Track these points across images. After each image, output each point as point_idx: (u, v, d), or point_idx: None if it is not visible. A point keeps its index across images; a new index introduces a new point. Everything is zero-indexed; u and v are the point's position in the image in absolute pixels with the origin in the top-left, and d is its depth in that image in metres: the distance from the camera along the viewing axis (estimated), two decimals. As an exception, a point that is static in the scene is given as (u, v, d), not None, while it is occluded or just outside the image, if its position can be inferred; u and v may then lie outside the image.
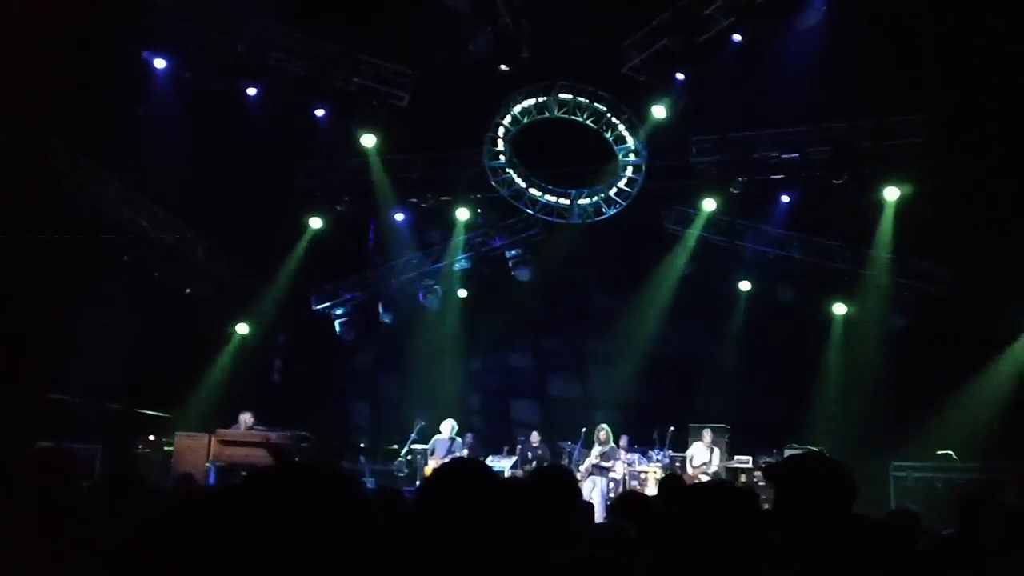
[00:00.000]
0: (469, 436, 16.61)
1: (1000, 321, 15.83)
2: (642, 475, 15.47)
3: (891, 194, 16.05)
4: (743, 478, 15.57)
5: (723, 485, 3.65)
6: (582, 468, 15.18)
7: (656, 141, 16.20)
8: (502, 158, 16.78)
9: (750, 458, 15.74)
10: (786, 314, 17.06)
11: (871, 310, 16.49)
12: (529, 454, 16.07)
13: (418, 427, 16.22)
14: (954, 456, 14.72)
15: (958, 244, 15.40)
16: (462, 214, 18.03)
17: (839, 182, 16.11)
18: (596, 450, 15.43)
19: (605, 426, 15.46)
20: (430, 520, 2.48)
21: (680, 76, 15.60)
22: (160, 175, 16.06)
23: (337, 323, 18.55)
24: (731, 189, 16.64)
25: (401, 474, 16.05)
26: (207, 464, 14.71)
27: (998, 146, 14.39)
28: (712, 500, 2.94)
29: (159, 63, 15.86)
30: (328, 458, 15.64)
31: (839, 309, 16.62)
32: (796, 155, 16.31)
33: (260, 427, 15.53)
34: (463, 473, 2.64)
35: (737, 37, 15.18)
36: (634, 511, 5.68)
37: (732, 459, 15.78)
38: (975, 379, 15.82)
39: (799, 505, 3.08)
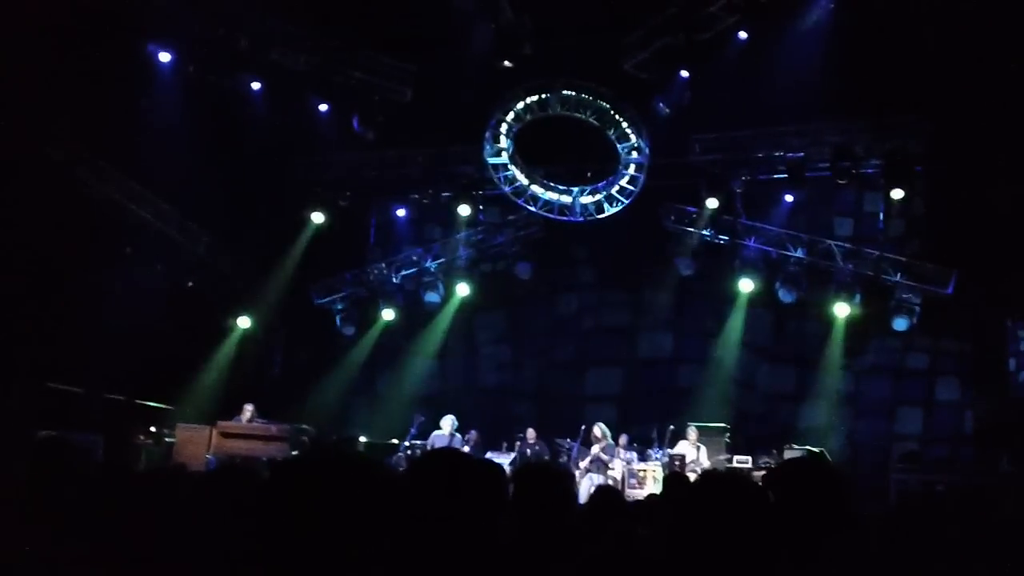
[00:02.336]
0: (473, 433, 16.51)
1: (1004, 325, 15.74)
2: (640, 474, 15.39)
3: (895, 195, 15.93)
4: (742, 479, 15.45)
5: (727, 475, 3.67)
6: (581, 465, 15.15)
7: (658, 139, 16.13)
8: (504, 155, 16.75)
9: (749, 458, 15.64)
10: (788, 314, 16.99)
11: (873, 312, 16.35)
12: (528, 451, 16.01)
13: (417, 423, 16.18)
14: (954, 461, 14.61)
15: (963, 246, 15.30)
16: (463, 210, 17.95)
17: (843, 182, 16.03)
18: (596, 447, 15.43)
19: (601, 424, 15.46)
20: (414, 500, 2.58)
21: (683, 74, 15.54)
22: (163, 168, 16.06)
23: (337, 317, 18.57)
24: (733, 188, 16.59)
25: (399, 469, 16.01)
26: (207, 456, 14.77)
27: (1001, 148, 14.27)
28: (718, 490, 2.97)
29: (164, 56, 15.91)
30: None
31: (841, 310, 16.49)
32: (800, 154, 16.26)
33: (261, 419, 15.61)
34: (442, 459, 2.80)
35: (743, 35, 15.13)
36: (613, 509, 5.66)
37: (732, 460, 15.67)
38: (978, 383, 15.74)
39: (796, 507, 3.11)
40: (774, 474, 3.46)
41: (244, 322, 18.29)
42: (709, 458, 15.36)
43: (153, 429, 16.00)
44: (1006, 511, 12.53)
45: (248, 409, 15.49)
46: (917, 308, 16.06)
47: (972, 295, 15.49)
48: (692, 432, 15.41)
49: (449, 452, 3.18)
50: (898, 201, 16.09)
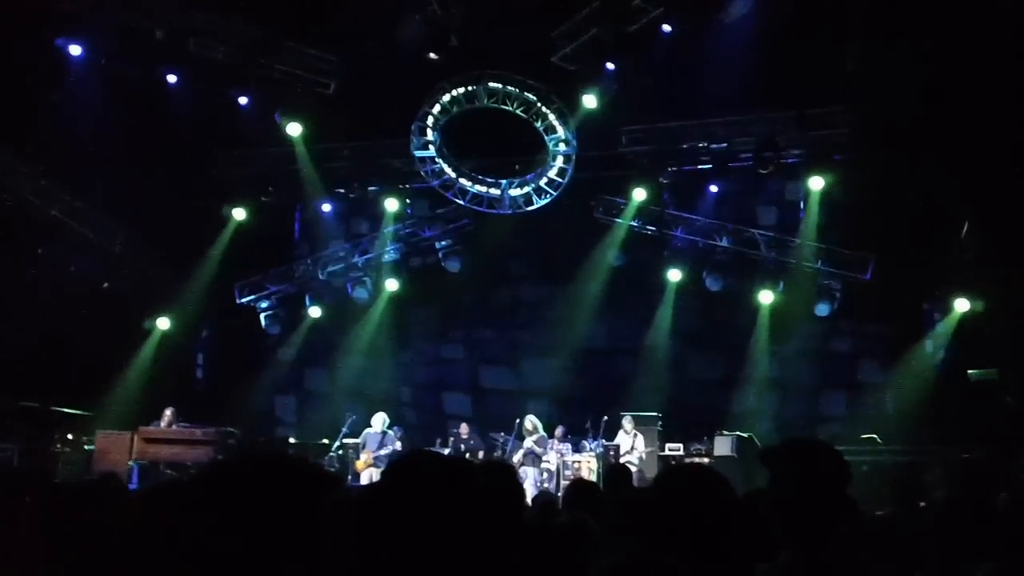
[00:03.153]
0: (399, 429, 16.48)
1: (921, 308, 16.32)
2: (575, 465, 15.48)
3: (816, 184, 16.33)
4: (674, 466, 15.75)
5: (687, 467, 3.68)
6: (514, 459, 15.16)
7: (586, 131, 16.18)
8: (431, 148, 16.59)
9: (681, 446, 15.88)
10: (715, 303, 17.26)
11: (797, 298, 16.74)
12: (461, 446, 16.00)
13: (349, 421, 15.99)
14: (878, 440, 15.02)
15: (881, 233, 15.77)
16: (391, 204, 17.79)
17: (765, 172, 16.35)
18: (528, 440, 15.51)
19: (531, 416, 15.63)
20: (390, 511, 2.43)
21: (610, 66, 15.63)
22: (77, 165, 15.60)
23: (262, 316, 18.11)
24: (660, 179, 16.79)
25: (332, 469, 15.77)
26: (130, 463, 14.37)
27: (920, 137, 14.74)
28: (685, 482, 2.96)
29: (75, 49, 15.32)
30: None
31: (765, 297, 16.86)
32: (724, 145, 16.53)
33: (184, 423, 15.26)
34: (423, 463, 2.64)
35: (667, 28, 15.29)
36: (587, 500, 5.64)
37: (664, 448, 15.89)
38: (898, 364, 16.25)
39: (798, 489, 3.07)
40: (774, 453, 3.46)
41: (164, 323, 17.78)
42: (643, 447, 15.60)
43: (71, 436, 15.47)
44: (930, 487, 13.02)
45: (167, 414, 15.18)
46: (838, 294, 16.50)
47: (891, 280, 15.96)
48: (628, 422, 15.59)
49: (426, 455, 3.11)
50: (819, 190, 16.44)
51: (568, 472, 15.31)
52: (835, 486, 3.13)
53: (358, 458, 15.67)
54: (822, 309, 16.59)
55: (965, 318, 15.67)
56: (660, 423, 15.98)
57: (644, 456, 15.39)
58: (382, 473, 2.75)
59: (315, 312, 18.29)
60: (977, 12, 13.14)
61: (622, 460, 14.99)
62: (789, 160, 16.43)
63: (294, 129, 16.51)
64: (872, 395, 16.65)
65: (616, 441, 15.66)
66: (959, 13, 13.24)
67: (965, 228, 15.60)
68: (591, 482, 9.37)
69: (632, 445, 15.50)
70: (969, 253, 15.59)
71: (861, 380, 16.99)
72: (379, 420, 15.81)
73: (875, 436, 15.17)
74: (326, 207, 18.16)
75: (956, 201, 15.30)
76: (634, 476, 12.30)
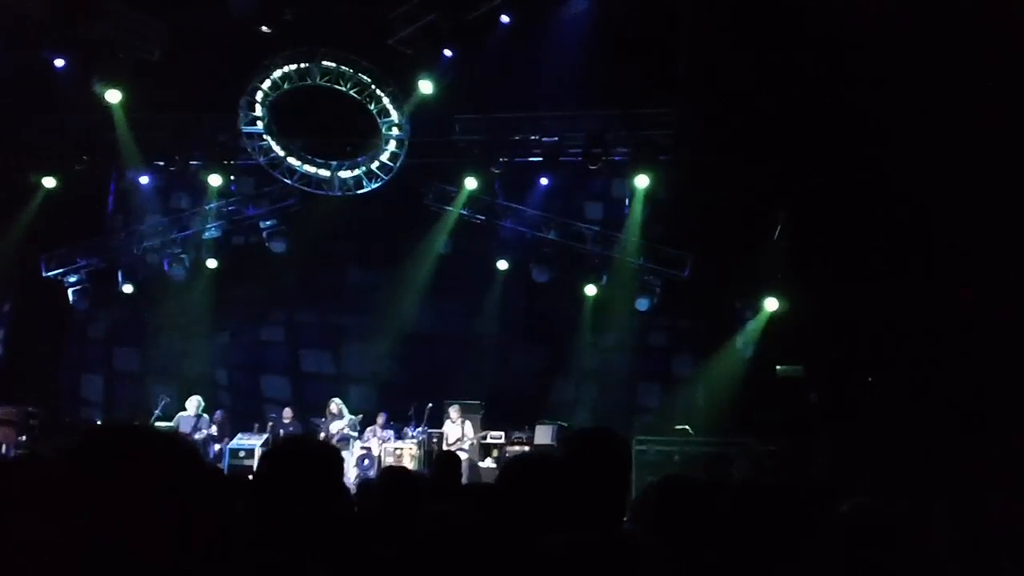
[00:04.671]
0: (219, 413, 16.08)
1: (733, 306, 17.04)
2: (397, 452, 15.45)
3: (640, 182, 16.77)
4: (495, 453, 15.93)
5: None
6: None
7: (420, 117, 16.07)
8: (259, 124, 16.09)
9: (503, 433, 16.06)
10: (541, 294, 17.52)
11: (619, 292, 17.18)
12: (281, 431, 15.68)
13: (162, 403, 15.46)
14: (690, 431, 15.60)
15: (700, 232, 16.38)
16: (214, 180, 17.08)
17: (594, 168, 16.71)
18: (336, 424, 15.46)
19: (336, 400, 15.71)
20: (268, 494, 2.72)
21: (448, 53, 15.58)
22: None
23: (70, 291, 17.14)
24: (492, 169, 16.87)
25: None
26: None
27: (739, 141, 15.37)
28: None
29: None
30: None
31: (590, 290, 17.24)
32: (555, 139, 16.76)
33: (-19, 401, 14.38)
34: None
35: (505, 19, 15.38)
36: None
37: (486, 436, 16.04)
38: (710, 359, 16.92)
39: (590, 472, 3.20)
40: (571, 444, 3.63)
41: (-40, 295, 16.62)
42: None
43: None
44: (736, 476, 13.66)
45: (-38, 389, 14.25)
46: (658, 289, 17.01)
47: (706, 278, 16.60)
48: (454, 410, 15.69)
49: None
50: (643, 189, 16.90)
51: (390, 459, 15.27)
52: (619, 471, 3.34)
53: (171, 442, 15.12)
54: (642, 304, 17.03)
55: (774, 317, 16.44)
56: (482, 411, 16.16)
57: (474, 443, 15.57)
58: (261, 458, 2.90)
59: (127, 288, 17.43)
60: (797, 19, 13.74)
61: (452, 448, 15.05)
62: (617, 158, 16.81)
63: (113, 96, 15.62)
64: (685, 388, 17.29)
65: (443, 429, 15.72)
66: (782, 20, 13.85)
67: (777, 231, 16.37)
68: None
69: (462, 433, 15.60)
70: (780, 255, 16.38)
71: (675, 373, 17.62)
72: (193, 403, 15.46)
73: (687, 427, 15.75)
74: (144, 179, 17.30)
75: (770, 205, 16.06)
76: (464, 464, 12.45)
